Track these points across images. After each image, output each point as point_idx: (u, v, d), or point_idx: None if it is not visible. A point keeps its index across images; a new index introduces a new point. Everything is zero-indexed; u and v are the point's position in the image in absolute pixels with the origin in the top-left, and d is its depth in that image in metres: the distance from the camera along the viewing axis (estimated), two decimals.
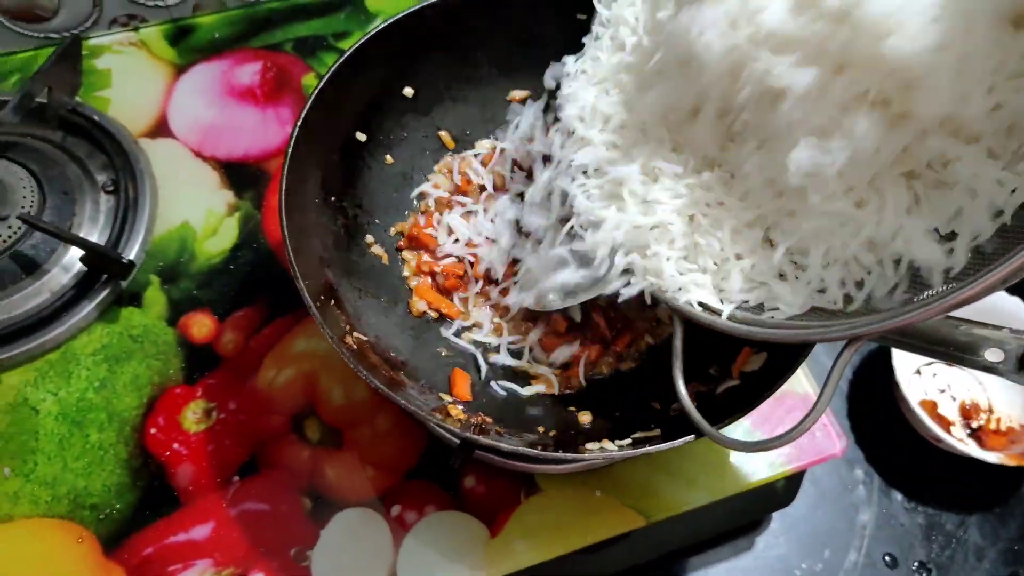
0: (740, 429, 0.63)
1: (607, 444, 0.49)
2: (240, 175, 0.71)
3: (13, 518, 0.57)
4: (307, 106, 0.53)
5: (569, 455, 0.48)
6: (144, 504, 0.58)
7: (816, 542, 0.73)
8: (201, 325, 0.64)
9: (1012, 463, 0.70)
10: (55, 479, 0.58)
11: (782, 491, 0.69)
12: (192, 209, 0.69)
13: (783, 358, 0.51)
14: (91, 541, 0.56)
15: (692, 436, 0.47)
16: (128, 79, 0.75)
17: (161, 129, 0.73)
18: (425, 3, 0.59)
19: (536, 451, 0.47)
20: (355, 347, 0.50)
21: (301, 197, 0.53)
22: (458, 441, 0.58)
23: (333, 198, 0.56)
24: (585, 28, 0.59)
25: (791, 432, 0.41)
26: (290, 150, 0.52)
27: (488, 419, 0.53)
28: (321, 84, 0.55)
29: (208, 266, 0.67)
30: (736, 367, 0.53)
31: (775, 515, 0.74)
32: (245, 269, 0.67)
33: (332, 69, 0.55)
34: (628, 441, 0.49)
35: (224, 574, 0.56)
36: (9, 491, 0.58)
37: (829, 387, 0.40)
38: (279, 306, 0.65)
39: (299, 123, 0.53)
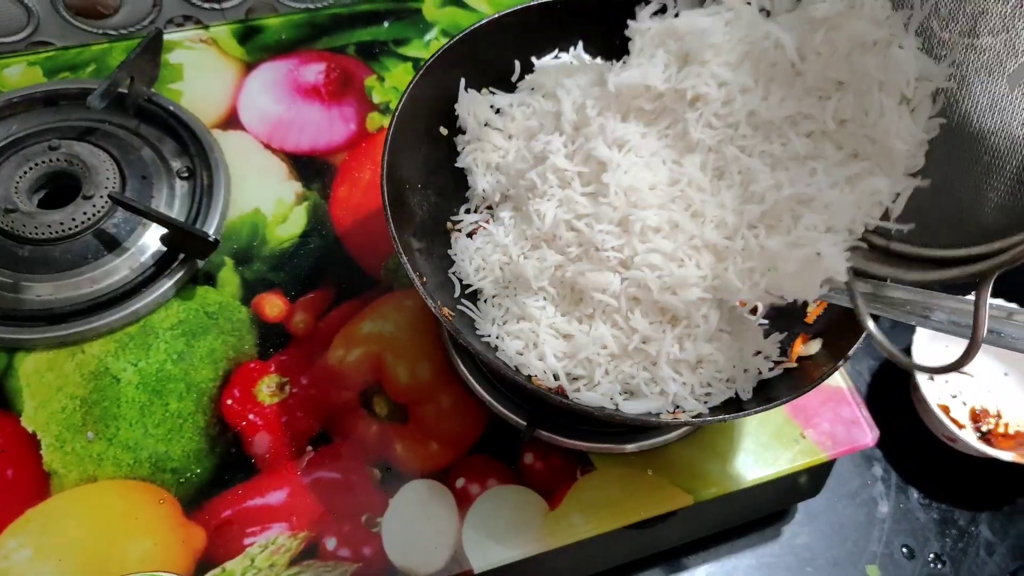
0: (779, 417, 0.67)
1: (681, 415, 0.53)
2: (307, 167, 0.75)
3: (97, 479, 0.60)
4: (401, 100, 0.58)
5: (654, 420, 0.52)
6: (222, 470, 0.61)
7: (838, 533, 0.77)
8: (273, 305, 0.68)
9: (1023, 462, 0.75)
10: (136, 444, 0.61)
11: (809, 482, 0.73)
12: (263, 197, 0.73)
13: (834, 346, 0.56)
14: (172, 502, 0.59)
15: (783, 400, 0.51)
16: (199, 73, 0.79)
17: (232, 122, 0.77)
18: (502, 13, 0.63)
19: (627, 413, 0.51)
20: (449, 319, 0.53)
21: (395, 184, 0.57)
22: (524, 423, 0.62)
23: (420, 185, 0.60)
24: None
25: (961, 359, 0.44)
26: (389, 139, 0.56)
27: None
28: (414, 79, 0.59)
29: (279, 250, 0.70)
30: (793, 352, 0.57)
31: (800, 508, 0.78)
32: (314, 254, 0.70)
33: (422, 67, 0.59)
34: (704, 408, 0.53)
35: (299, 537, 0.59)
36: (93, 453, 0.60)
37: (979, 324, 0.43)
38: (346, 290, 0.69)
39: (395, 115, 0.57)
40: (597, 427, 0.64)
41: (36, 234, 0.65)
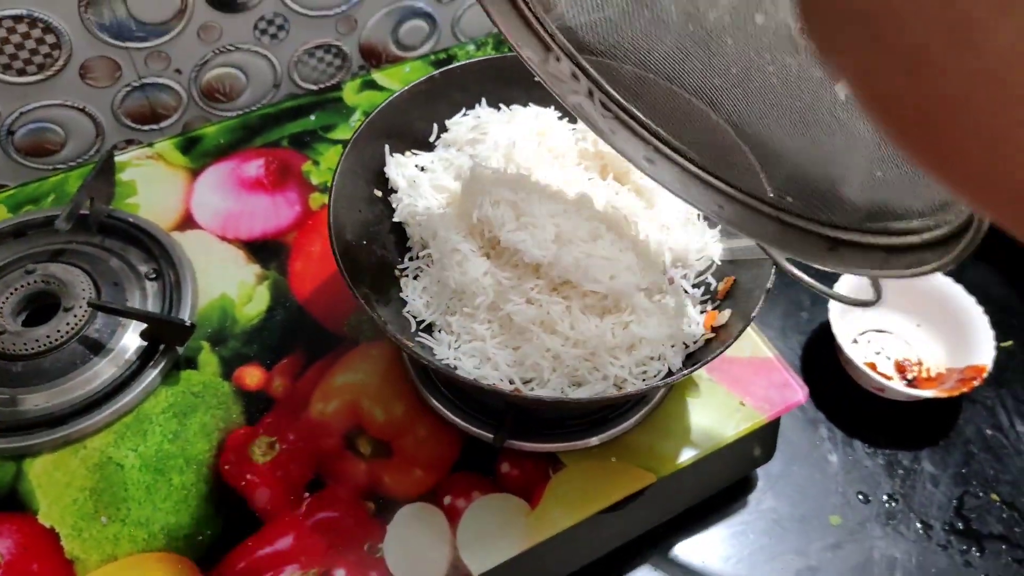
0: (719, 392, 0.75)
1: (626, 386, 0.61)
2: (262, 250, 0.83)
3: (117, 557, 0.65)
4: (335, 173, 0.66)
5: (600, 397, 0.59)
6: (230, 528, 0.67)
7: (799, 492, 0.85)
8: (252, 376, 0.75)
9: (944, 395, 0.84)
10: (148, 520, 0.67)
11: (761, 449, 0.81)
12: (227, 283, 0.80)
13: (742, 312, 0.65)
14: (190, 566, 0.65)
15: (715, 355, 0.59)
16: (151, 186, 0.87)
17: (187, 222, 0.84)
18: (411, 84, 0.72)
19: (577, 398, 0.59)
20: (411, 349, 0.61)
21: (344, 246, 0.65)
22: (491, 436, 0.70)
23: (365, 242, 0.68)
24: None
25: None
26: (331, 209, 0.64)
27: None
28: (344, 153, 0.67)
29: (249, 327, 0.77)
30: (707, 325, 0.66)
31: (760, 476, 0.86)
32: (282, 325, 0.78)
33: (350, 141, 0.68)
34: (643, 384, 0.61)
35: (311, 573, 0.65)
36: (109, 535, 0.66)
37: None
38: (316, 351, 0.76)
39: (332, 188, 0.66)
40: (561, 428, 0.71)
41: (25, 350, 0.72)
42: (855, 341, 0.95)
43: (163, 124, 1.02)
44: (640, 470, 0.71)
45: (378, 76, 0.99)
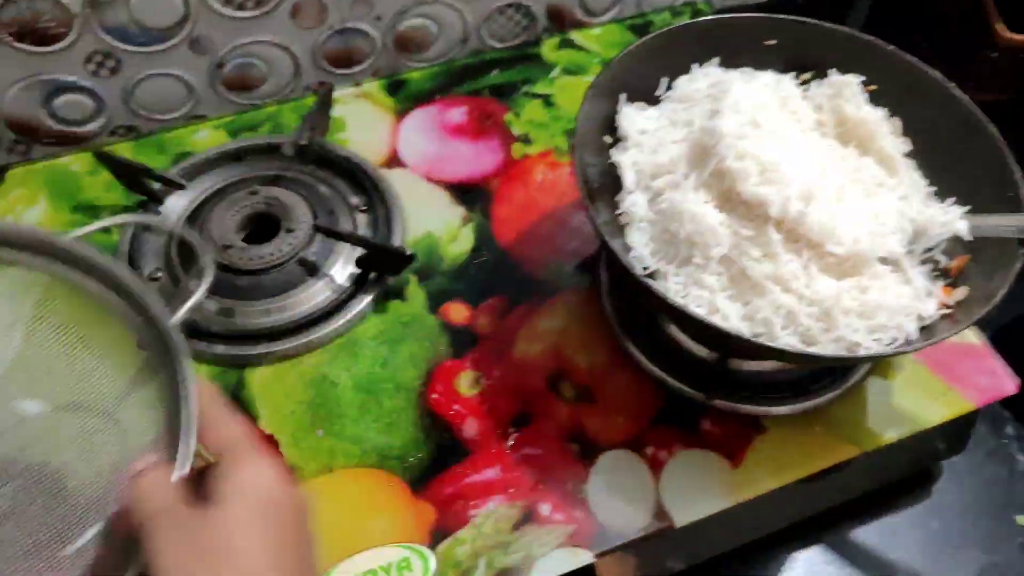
0: (925, 374, 0.73)
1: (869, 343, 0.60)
2: (467, 193, 0.84)
3: (332, 469, 0.67)
4: (580, 113, 0.67)
5: (839, 356, 0.59)
6: (439, 453, 0.68)
7: (984, 489, 0.82)
8: (458, 311, 0.76)
9: None
10: (361, 437, 0.69)
11: (954, 438, 0.79)
12: (433, 221, 0.82)
13: (982, 290, 0.63)
14: (401, 484, 0.67)
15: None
16: (359, 123, 0.90)
17: (394, 161, 0.87)
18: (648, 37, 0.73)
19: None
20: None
21: (585, 180, 0.65)
22: (698, 394, 0.70)
23: (596, 185, 0.69)
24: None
25: None
26: (577, 141, 0.65)
27: None
28: (588, 93, 0.68)
29: (455, 265, 0.79)
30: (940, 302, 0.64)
31: (945, 470, 0.84)
32: (486, 267, 0.79)
33: (593, 82, 0.69)
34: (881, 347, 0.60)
35: (516, 506, 0.66)
36: (325, 447, 0.68)
37: None
38: (519, 295, 0.77)
39: (578, 123, 0.66)
40: (763, 392, 0.71)
41: (250, 265, 0.75)
42: None
43: (354, 69, 1.05)
44: (845, 443, 0.69)
45: (575, 36, 0.99)
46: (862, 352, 0.61)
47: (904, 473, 0.81)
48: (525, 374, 0.73)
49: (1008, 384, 0.74)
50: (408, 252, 0.73)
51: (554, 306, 0.77)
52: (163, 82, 0.95)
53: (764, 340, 0.62)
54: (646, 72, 0.75)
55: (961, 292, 0.64)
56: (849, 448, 0.69)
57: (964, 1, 1.02)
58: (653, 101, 0.75)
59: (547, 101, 0.92)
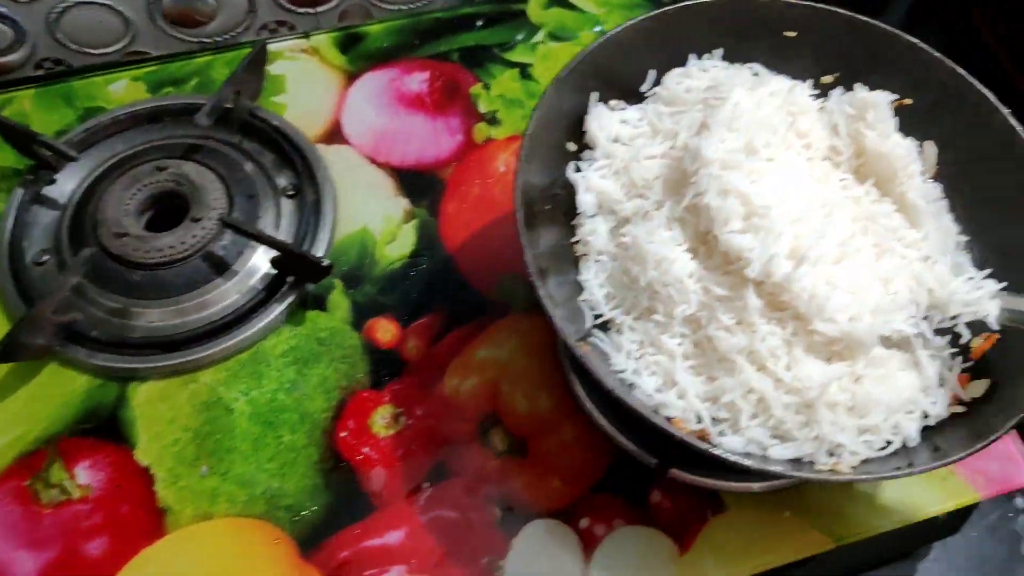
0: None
1: (838, 466, 0.48)
2: (414, 182, 0.72)
3: (212, 516, 0.58)
4: (533, 116, 0.54)
5: (814, 476, 0.47)
6: (338, 507, 0.58)
7: (978, 571, 0.72)
8: (385, 330, 0.65)
9: None
10: (251, 479, 0.59)
11: (949, 520, 0.68)
12: (370, 215, 0.70)
13: (1008, 387, 0.51)
14: (288, 543, 0.57)
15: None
16: (302, 85, 0.77)
17: (335, 135, 0.74)
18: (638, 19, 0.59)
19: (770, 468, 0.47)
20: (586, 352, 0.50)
21: (527, 202, 0.53)
22: (652, 460, 0.59)
23: (547, 206, 0.57)
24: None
25: None
26: (524, 152, 0.52)
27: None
28: (547, 92, 0.55)
29: (389, 271, 0.68)
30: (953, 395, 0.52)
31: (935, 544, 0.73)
32: (425, 276, 0.68)
33: (558, 77, 0.56)
34: (858, 462, 0.49)
35: None
36: (207, 488, 0.59)
37: None
38: (459, 314, 0.66)
39: (530, 128, 0.54)
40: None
41: (147, 258, 0.64)
42: None
43: (320, 8, 0.91)
44: (816, 533, 0.59)
45: None
46: (845, 461, 0.49)
47: (882, 558, 0.70)
48: (452, 415, 0.62)
49: (1022, 473, 0.62)
50: (325, 263, 0.61)
51: (498, 332, 0.65)
52: (93, 11, 0.82)
53: (725, 429, 0.51)
54: (635, 58, 0.61)
55: (981, 386, 0.52)
56: (821, 539, 0.58)
57: None
58: (637, 97, 0.61)
59: (524, 72, 0.78)
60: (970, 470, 0.61)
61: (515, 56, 0.79)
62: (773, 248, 0.49)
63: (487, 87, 0.77)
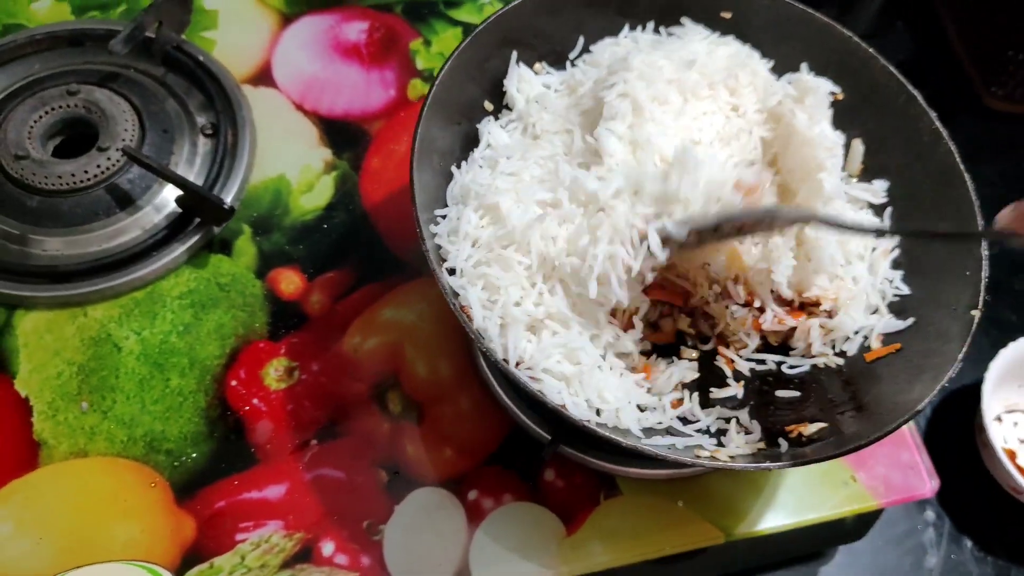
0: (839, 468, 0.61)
1: (719, 453, 0.47)
2: (340, 133, 0.70)
3: (88, 454, 0.56)
4: (445, 65, 0.52)
5: (680, 457, 0.46)
6: (219, 456, 0.57)
7: None
8: (289, 281, 0.63)
9: None
10: (132, 420, 0.57)
11: (854, 525, 0.67)
12: (289, 162, 0.67)
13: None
14: (164, 487, 0.55)
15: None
16: (234, 22, 0.74)
17: (263, 77, 0.71)
18: None
19: (642, 447, 0.45)
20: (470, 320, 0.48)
21: (427, 158, 0.51)
22: (548, 437, 0.57)
23: (457, 165, 0.54)
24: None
25: None
26: (425, 109, 0.50)
27: None
28: (461, 45, 0.53)
29: (301, 222, 0.65)
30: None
31: (840, 548, 0.72)
32: (338, 230, 0.65)
33: (472, 34, 0.54)
34: (746, 452, 0.47)
35: (294, 538, 0.54)
36: (86, 425, 0.57)
37: None
38: (368, 272, 0.64)
39: (436, 82, 0.52)
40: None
41: (46, 184, 0.61)
42: (998, 418, 0.78)
43: None
44: (708, 525, 0.57)
45: None
46: (722, 457, 0.47)
47: (791, 556, 0.69)
48: (349, 374, 0.60)
49: (925, 486, 0.61)
50: (228, 206, 0.59)
51: (407, 294, 0.63)
52: None
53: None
54: (563, 23, 0.59)
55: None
56: (711, 532, 0.57)
57: None
58: (564, 64, 0.59)
59: (468, 32, 0.75)
60: (873, 477, 0.61)
61: (461, 15, 0.77)
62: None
63: (428, 43, 0.75)
